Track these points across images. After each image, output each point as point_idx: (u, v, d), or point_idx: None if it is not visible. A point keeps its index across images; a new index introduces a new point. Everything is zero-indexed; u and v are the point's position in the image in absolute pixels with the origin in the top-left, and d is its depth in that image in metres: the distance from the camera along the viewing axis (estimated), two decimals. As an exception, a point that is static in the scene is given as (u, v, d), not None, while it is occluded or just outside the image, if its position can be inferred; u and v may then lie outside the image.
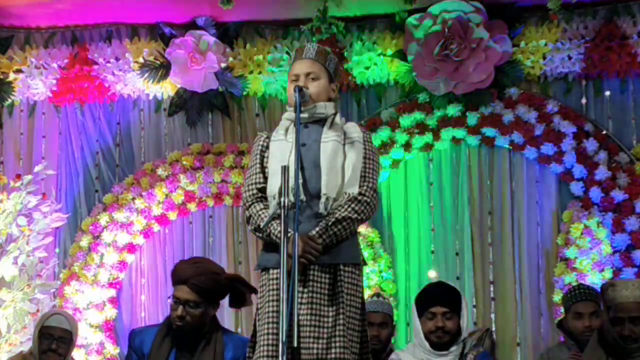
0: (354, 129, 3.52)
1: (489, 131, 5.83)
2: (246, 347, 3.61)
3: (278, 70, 6.03)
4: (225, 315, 5.91)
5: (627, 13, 5.80)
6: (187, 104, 6.16)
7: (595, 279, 5.46)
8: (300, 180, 3.27)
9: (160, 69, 6.12)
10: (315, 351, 3.25)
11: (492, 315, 5.81)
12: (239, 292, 3.77)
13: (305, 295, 3.28)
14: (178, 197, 6.04)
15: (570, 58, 5.80)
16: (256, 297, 3.89)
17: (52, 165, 6.15)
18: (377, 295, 4.93)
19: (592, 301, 4.58)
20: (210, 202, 6.08)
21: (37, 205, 5.68)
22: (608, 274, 5.49)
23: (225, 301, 3.95)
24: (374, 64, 5.99)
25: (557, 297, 5.59)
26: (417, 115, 5.88)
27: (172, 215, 6.10)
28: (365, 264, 3.58)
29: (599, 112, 5.86)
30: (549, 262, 5.78)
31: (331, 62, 3.57)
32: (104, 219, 6.00)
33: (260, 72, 6.10)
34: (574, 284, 5.24)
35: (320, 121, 3.50)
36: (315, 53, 3.55)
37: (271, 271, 3.36)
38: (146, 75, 6.13)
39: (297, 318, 3.08)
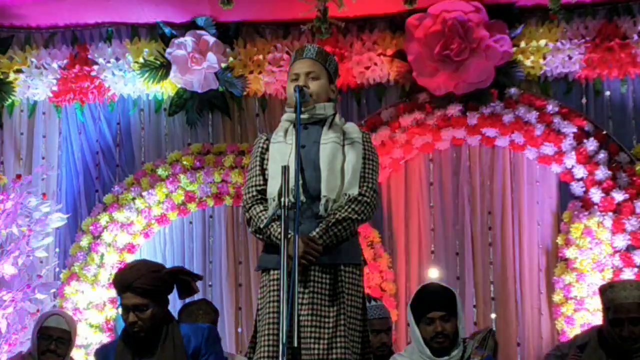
0: (353, 130, 3.52)
1: (489, 131, 5.83)
2: (205, 333, 3.62)
3: (278, 70, 6.03)
4: (226, 315, 5.92)
5: (627, 13, 5.80)
6: (187, 104, 6.16)
7: (595, 279, 5.46)
8: (300, 182, 3.27)
9: (160, 69, 6.12)
10: (316, 352, 3.25)
11: (492, 315, 5.81)
12: (184, 282, 3.74)
13: (306, 296, 3.28)
14: (178, 197, 6.04)
15: (570, 58, 5.80)
16: (202, 283, 3.85)
17: (52, 165, 6.15)
18: (369, 299, 4.76)
19: None
20: (210, 202, 6.08)
21: (37, 205, 5.68)
22: (608, 274, 5.49)
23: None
24: (374, 64, 5.99)
25: (557, 297, 5.60)
26: (417, 115, 5.88)
27: (172, 215, 6.10)
28: (365, 264, 3.57)
29: (599, 112, 5.86)
30: (549, 262, 5.78)
31: (331, 62, 3.57)
32: (104, 219, 6.00)
33: (260, 72, 6.10)
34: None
35: (320, 122, 3.50)
36: (315, 53, 3.55)
37: (272, 272, 3.36)
38: (146, 75, 6.13)
39: (297, 319, 3.08)
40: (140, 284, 3.60)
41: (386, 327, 4.59)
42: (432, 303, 3.78)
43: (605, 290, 3.94)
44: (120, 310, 3.67)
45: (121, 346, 3.69)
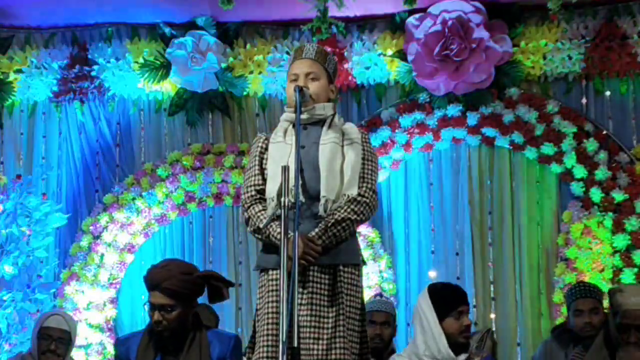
0: (352, 130, 3.51)
1: (489, 131, 5.84)
2: (232, 342, 3.63)
3: (278, 70, 6.03)
4: (226, 315, 5.91)
5: (627, 13, 5.80)
6: (187, 104, 6.17)
7: (595, 279, 5.46)
8: (300, 182, 3.26)
9: (160, 69, 6.12)
10: (315, 352, 3.24)
11: (492, 315, 5.81)
12: (215, 287, 3.75)
13: (305, 296, 3.28)
14: (178, 197, 6.04)
15: (570, 58, 5.80)
16: (233, 290, 3.87)
17: (52, 165, 6.16)
18: (380, 295, 4.88)
19: (592, 298, 4.63)
20: (211, 202, 6.08)
21: (37, 205, 5.68)
22: (608, 274, 5.49)
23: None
24: (374, 64, 5.99)
25: (557, 297, 5.59)
26: (417, 115, 5.88)
27: (172, 215, 6.10)
28: (364, 264, 3.57)
29: (599, 112, 5.86)
30: (549, 262, 5.78)
31: (330, 62, 3.56)
32: (104, 219, 6.00)
33: (260, 72, 6.10)
34: (574, 282, 5.23)
35: (319, 122, 3.49)
36: (315, 53, 3.54)
37: (270, 272, 3.36)
38: (146, 75, 6.13)
39: (296, 319, 3.07)
40: (170, 284, 3.59)
41: (382, 320, 4.62)
42: (463, 297, 3.85)
43: (615, 294, 3.91)
44: (147, 307, 3.69)
45: (145, 341, 3.69)
